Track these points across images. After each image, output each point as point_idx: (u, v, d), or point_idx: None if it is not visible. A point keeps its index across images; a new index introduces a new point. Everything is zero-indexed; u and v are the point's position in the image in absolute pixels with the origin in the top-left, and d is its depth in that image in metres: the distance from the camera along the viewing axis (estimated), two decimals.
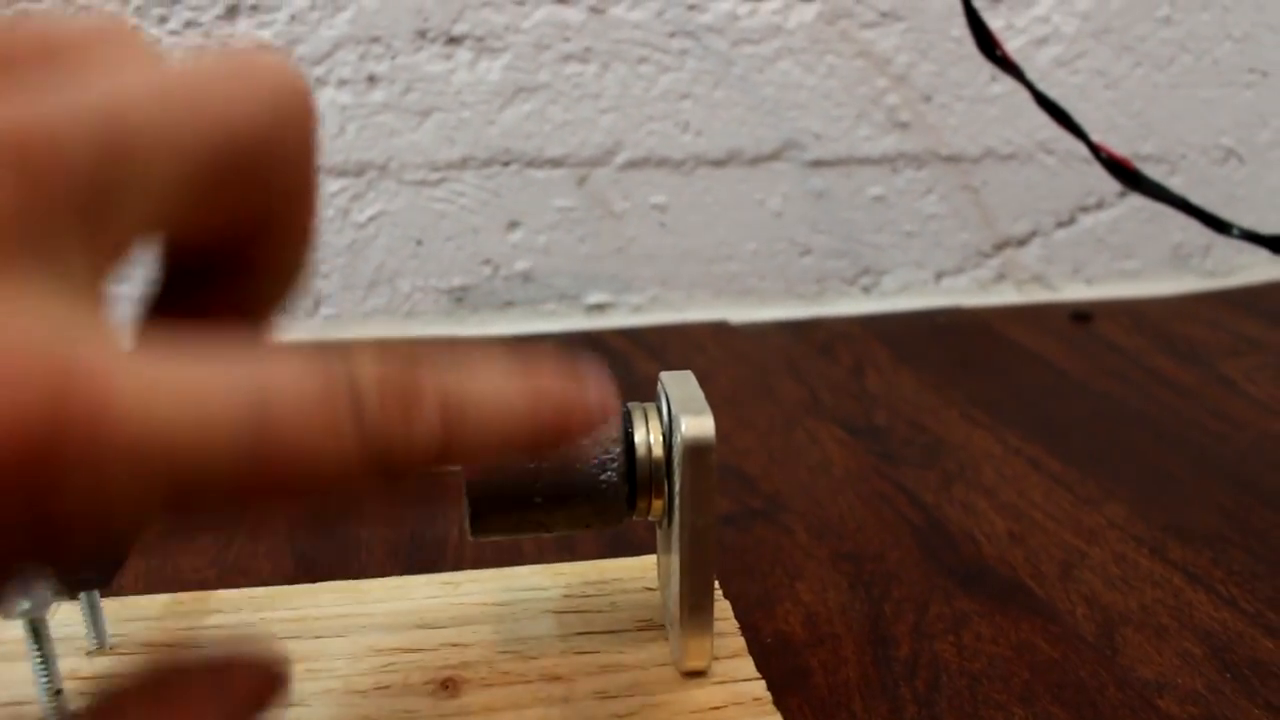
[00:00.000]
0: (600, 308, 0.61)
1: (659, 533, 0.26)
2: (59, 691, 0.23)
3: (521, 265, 0.59)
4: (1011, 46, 0.57)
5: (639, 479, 0.23)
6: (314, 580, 0.32)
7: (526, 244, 0.59)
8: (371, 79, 0.55)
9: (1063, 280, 0.66)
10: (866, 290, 0.64)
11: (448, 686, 0.24)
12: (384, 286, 0.59)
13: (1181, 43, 0.62)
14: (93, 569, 0.23)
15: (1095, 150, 0.51)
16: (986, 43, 0.51)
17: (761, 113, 0.59)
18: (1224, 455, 0.44)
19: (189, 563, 0.37)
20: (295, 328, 0.61)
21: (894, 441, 0.46)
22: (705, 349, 0.58)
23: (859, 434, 0.47)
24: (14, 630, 0.26)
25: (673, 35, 0.56)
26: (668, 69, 0.57)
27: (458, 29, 0.55)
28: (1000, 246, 0.64)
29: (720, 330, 0.61)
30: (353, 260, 0.58)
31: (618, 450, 0.23)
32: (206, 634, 0.27)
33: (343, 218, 0.57)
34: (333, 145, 0.55)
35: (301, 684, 0.25)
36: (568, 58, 0.56)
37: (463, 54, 0.55)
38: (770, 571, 0.36)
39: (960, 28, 0.58)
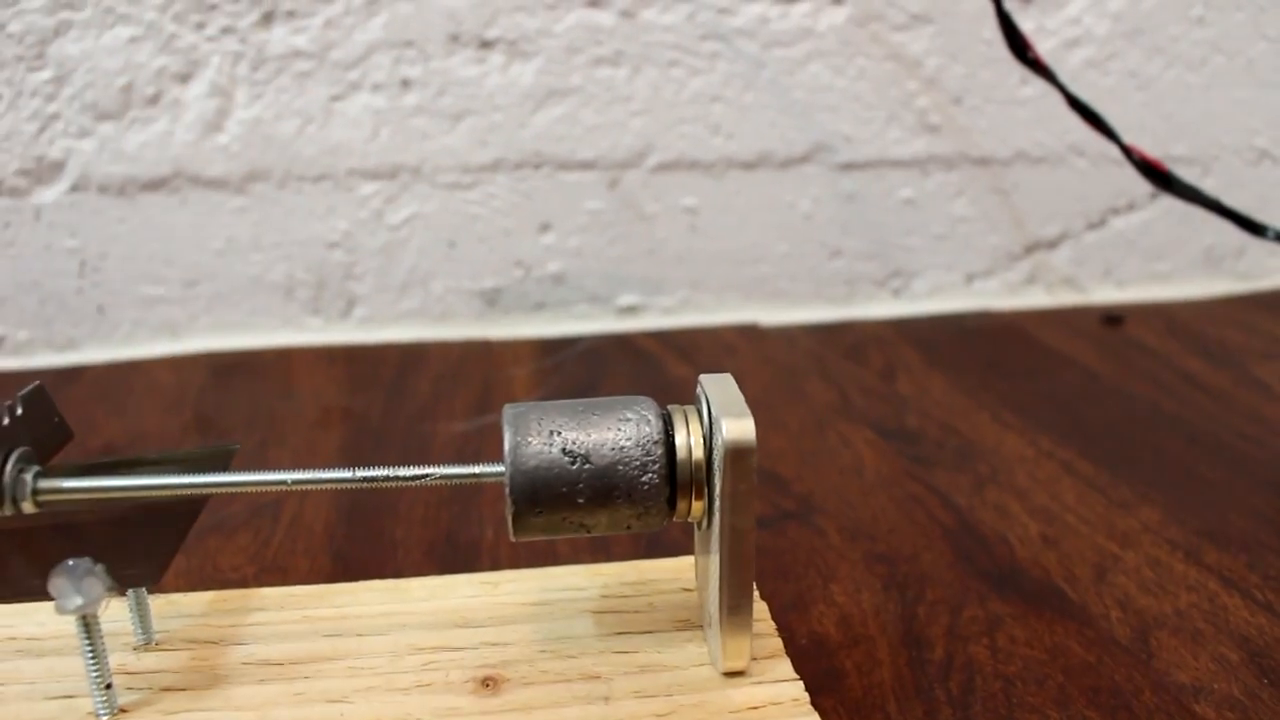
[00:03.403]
0: (631, 310, 0.61)
1: (697, 534, 0.27)
2: (109, 685, 0.24)
3: (553, 267, 0.60)
4: (1043, 48, 0.57)
5: (679, 481, 0.23)
6: (351, 579, 0.33)
7: (558, 246, 0.59)
8: (405, 83, 0.55)
9: (1093, 283, 0.65)
10: (896, 293, 0.64)
11: (489, 684, 0.25)
12: (417, 288, 0.59)
13: (1215, 43, 0.61)
14: (143, 566, 0.23)
15: (1127, 152, 0.50)
16: (1018, 45, 0.51)
17: (792, 115, 0.59)
18: (1259, 460, 0.44)
19: (228, 561, 0.37)
20: (330, 330, 0.61)
21: (926, 444, 0.46)
22: (736, 351, 0.58)
23: (890, 436, 0.47)
24: (65, 625, 0.27)
25: (704, 38, 0.57)
26: (698, 72, 0.57)
27: (490, 33, 0.55)
28: (1031, 249, 0.64)
29: (750, 332, 0.61)
30: (386, 262, 0.58)
31: (659, 452, 0.23)
32: (249, 630, 0.27)
33: (376, 220, 0.57)
34: (366, 149, 0.56)
35: (343, 681, 0.25)
36: (599, 61, 0.56)
37: (495, 58, 0.55)
38: (804, 573, 0.36)
39: (991, 30, 0.57)
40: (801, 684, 0.25)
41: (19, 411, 0.24)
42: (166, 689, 0.25)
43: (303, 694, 0.24)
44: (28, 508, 0.23)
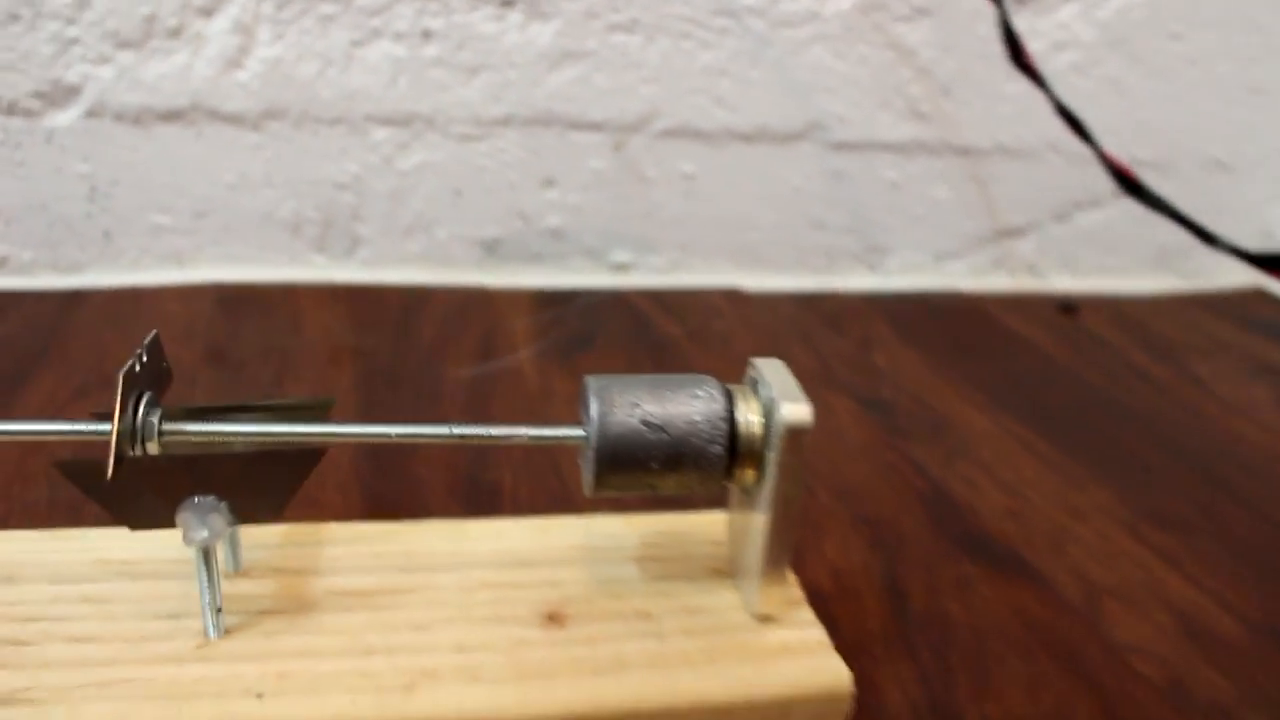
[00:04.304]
0: (623, 267, 0.64)
1: (738, 495, 0.30)
2: (219, 609, 0.27)
3: (553, 221, 0.62)
4: (1032, 49, 0.61)
5: (739, 452, 0.27)
6: (385, 515, 0.36)
7: (560, 201, 0.62)
8: (426, 34, 0.57)
9: (1053, 271, 0.70)
10: (872, 267, 0.68)
11: (554, 619, 0.28)
12: (421, 233, 0.61)
13: (1189, 57, 0.66)
14: (262, 505, 0.26)
15: (1104, 159, 0.54)
16: (1017, 51, 0.54)
17: (793, 94, 0.62)
18: (1194, 450, 0.49)
19: None
20: (333, 268, 0.63)
21: (900, 416, 0.50)
22: (722, 314, 0.61)
23: (869, 407, 0.51)
24: (152, 550, 0.30)
25: (716, 14, 0.59)
26: (709, 45, 0.60)
27: None
28: (999, 236, 0.68)
29: (734, 297, 0.64)
30: (393, 206, 0.60)
31: (725, 427, 0.26)
32: (327, 563, 0.30)
33: (386, 165, 0.59)
34: (384, 95, 0.57)
35: (424, 611, 0.28)
36: (615, 27, 0.58)
37: (515, 16, 0.57)
38: (799, 530, 0.40)
39: (985, 27, 0.61)
40: (824, 629, 0.29)
41: (144, 359, 0.26)
42: (264, 613, 0.28)
43: (389, 622, 0.28)
44: (152, 449, 0.26)
